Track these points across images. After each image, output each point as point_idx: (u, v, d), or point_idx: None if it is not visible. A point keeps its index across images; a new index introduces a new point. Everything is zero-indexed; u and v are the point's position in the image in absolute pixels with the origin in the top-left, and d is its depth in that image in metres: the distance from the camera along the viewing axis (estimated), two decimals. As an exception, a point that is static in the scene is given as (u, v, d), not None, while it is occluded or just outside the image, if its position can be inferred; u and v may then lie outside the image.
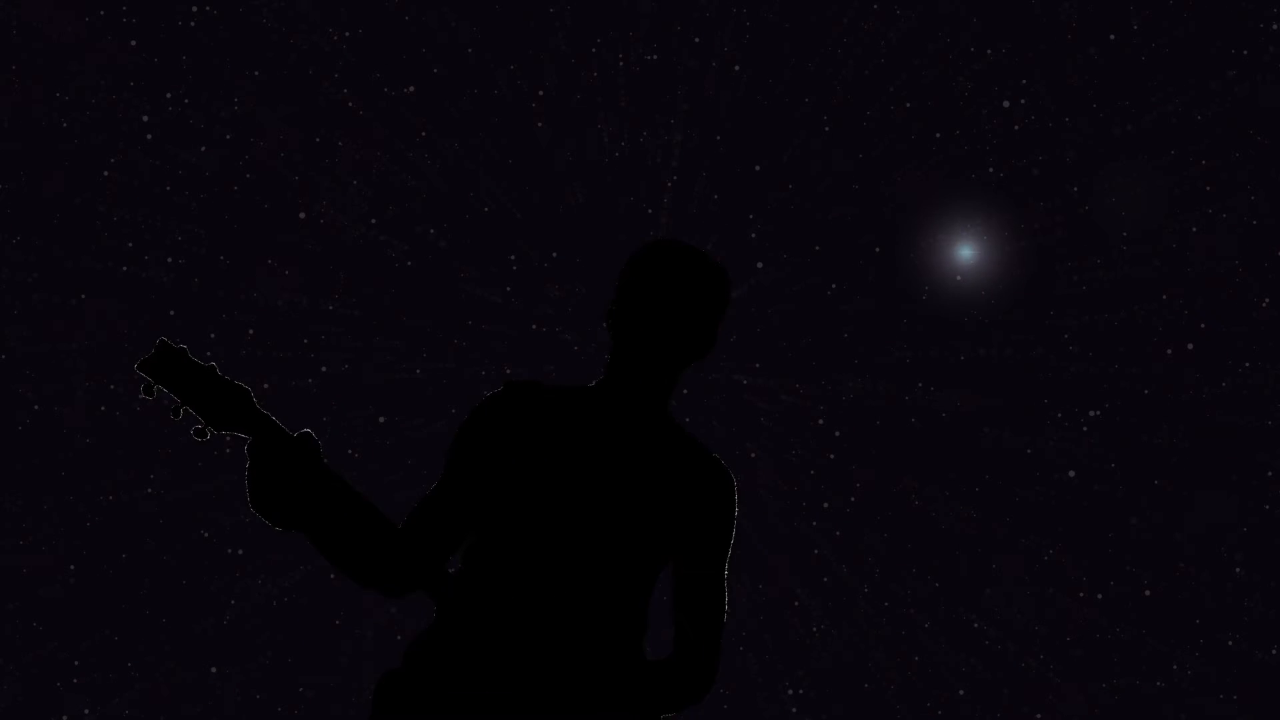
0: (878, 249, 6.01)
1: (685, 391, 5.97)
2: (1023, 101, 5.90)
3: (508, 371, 2.84)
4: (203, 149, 5.84)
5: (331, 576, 5.54)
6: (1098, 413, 5.97)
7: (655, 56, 5.94)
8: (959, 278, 6.00)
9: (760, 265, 6.02)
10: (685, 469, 2.61)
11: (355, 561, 2.48)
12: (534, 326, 5.98)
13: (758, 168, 6.00)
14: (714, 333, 2.65)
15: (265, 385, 5.86)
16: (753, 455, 6.02)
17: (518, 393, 2.60)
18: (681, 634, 2.63)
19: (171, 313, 5.85)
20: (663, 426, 2.62)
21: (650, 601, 2.61)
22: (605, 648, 2.51)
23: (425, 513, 2.59)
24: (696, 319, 2.58)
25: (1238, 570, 5.92)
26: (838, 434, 6.01)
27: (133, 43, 5.79)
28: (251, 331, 5.87)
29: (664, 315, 2.56)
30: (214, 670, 5.78)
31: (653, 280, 2.57)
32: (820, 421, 6.02)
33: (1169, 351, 5.94)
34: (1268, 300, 5.92)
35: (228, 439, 2.51)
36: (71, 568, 5.79)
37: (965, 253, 6.01)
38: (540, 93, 5.96)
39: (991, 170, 5.94)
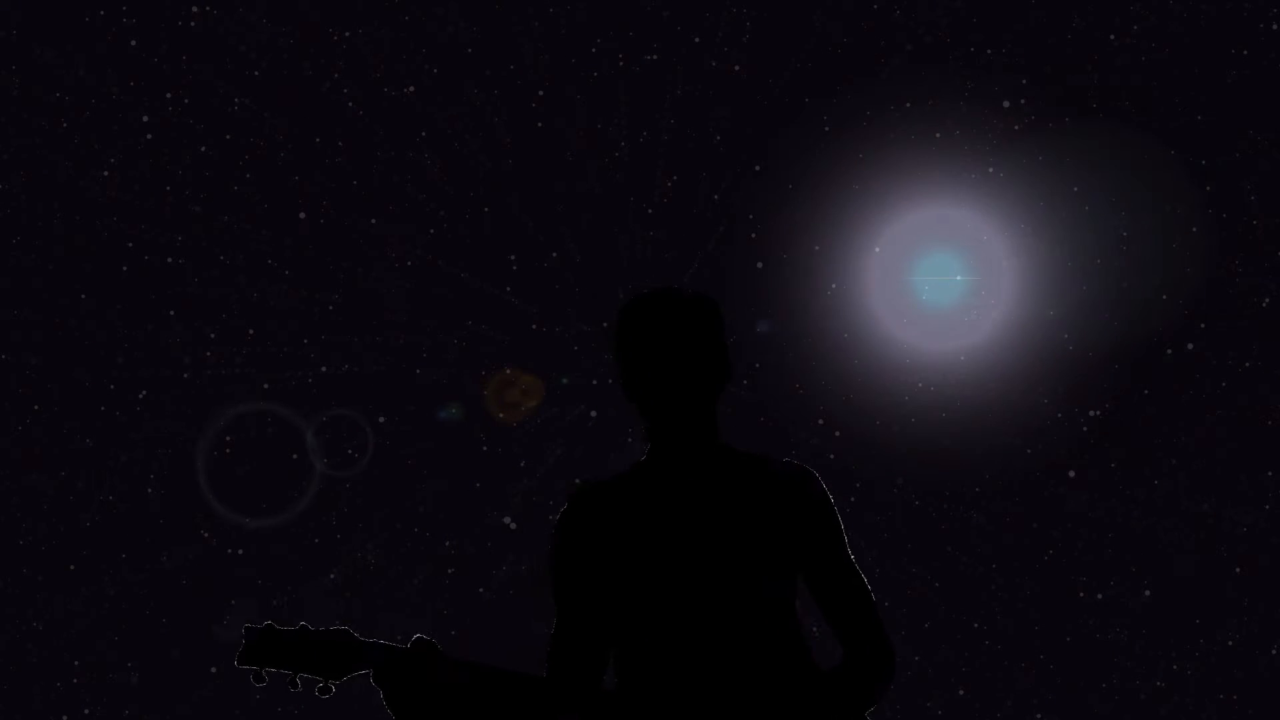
0: (878, 249, 6.01)
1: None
2: (1023, 101, 5.91)
3: (575, 481, 2.79)
4: (203, 149, 5.85)
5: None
6: (1098, 413, 5.97)
7: (655, 56, 5.95)
8: (959, 277, 6.01)
9: (760, 265, 6.02)
10: (767, 490, 2.63)
11: None
12: (534, 326, 5.98)
13: (758, 168, 6.01)
14: (725, 357, 2.64)
15: (265, 385, 5.87)
16: (753, 455, 6.01)
17: (584, 501, 2.62)
18: (841, 634, 2.66)
19: (171, 313, 5.86)
20: (726, 462, 2.64)
21: (799, 617, 2.64)
22: (783, 684, 2.54)
23: (561, 652, 2.61)
24: (701, 357, 2.58)
25: (1238, 570, 5.92)
26: (838, 434, 6.02)
27: (133, 43, 5.79)
28: (251, 331, 5.88)
29: (670, 369, 2.56)
30: (214, 670, 5.79)
31: (643, 341, 2.57)
32: (820, 421, 6.02)
33: (1169, 351, 5.94)
34: (1268, 300, 5.92)
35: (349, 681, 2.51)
36: (71, 568, 5.80)
37: (965, 253, 6.01)
38: (540, 93, 5.96)
39: (991, 170, 5.94)
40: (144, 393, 5.85)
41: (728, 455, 2.65)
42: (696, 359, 2.57)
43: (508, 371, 5.96)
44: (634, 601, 2.55)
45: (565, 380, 5.95)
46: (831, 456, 6.01)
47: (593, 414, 5.94)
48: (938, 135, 5.92)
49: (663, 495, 2.59)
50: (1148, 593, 5.94)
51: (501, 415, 5.95)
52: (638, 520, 2.58)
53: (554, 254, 5.98)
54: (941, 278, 6.01)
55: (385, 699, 2.45)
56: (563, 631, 2.61)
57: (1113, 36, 5.88)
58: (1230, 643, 5.90)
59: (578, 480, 2.69)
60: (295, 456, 5.82)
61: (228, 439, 5.81)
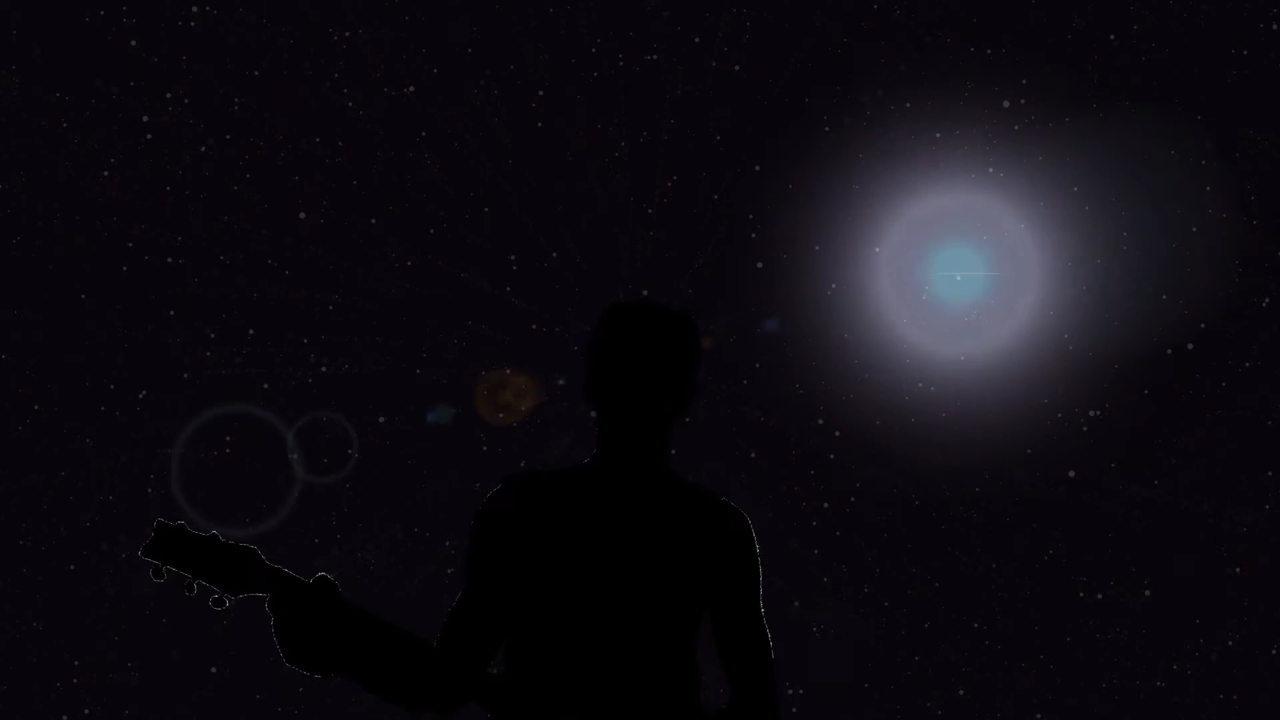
0: (878, 249, 6.01)
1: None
2: (1023, 101, 5.90)
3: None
4: (203, 149, 5.85)
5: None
6: (1098, 413, 5.97)
7: (655, 56, 5.95)
8: (959, 277, 6.01)
9: (760, 265, 6.02)
10: (697, 521, 2.61)
11: (401, 690, 2.48)
12: (534, 326, 5.98)
13: (758, 168, 6.01)
14: (692, 384, 2.61)
15: (265, 385, 5.87)
16: (752, 455, 6.02)
17: (518, 488, 2.60)
18: (733, 681, 2.65)
19: (171, 313, 5.86)
20: (665, 485, 2.62)
21: (696, 653, 2.63)
22: (666, 713, 2.52)
23: (458, 625, 2.59)
24: (672, 377, 2.56)
25: (1238, 570, 5.92)
26: (838, 434, 6.02)
27: (133, 43, 5.79)
28: (251, 332, 5.88)
29: (639, 381, 2.54)
30: (214, 670, 5.79)
31: (620, 348, 2.55)
32: (820, 421, 6.02)
33: (1169, 351, 5.94)
34: (1268, 300, 5.92)
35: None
36: (71, 568, 5.80)
37: (964, 252, 6.01)
38: (540, 93, 5.96)
39: (991, 170, 5.94)
40: (144, 393, 5.85)
41: (670, 481, 2.63)
42: (663, 379, 2.55)
43: (492, 373, 5.96)
44: (541, 598, 2.53)
45: (562, 381, 5.95)
46: (831, 456, 6.02)
47: (593, 414, 5.93)
48: (937, 135, 5.92)
49: (596, 503, 2.58)
50: (1148, 593, 5.94)
51: (499, 417, 5.94)
52: (566, 520, 2.56)
53: (554, 254, 5.98)
54: (941, 277, 6.02)
55: (274, 627, 2.44)
56: (464, 607, 2.59)
57: (1113, 36, 5.88)
58: (1230, 643, 5.90)
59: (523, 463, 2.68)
60: (295, 456, 5.82)
61: (226, 439, 5.81)
